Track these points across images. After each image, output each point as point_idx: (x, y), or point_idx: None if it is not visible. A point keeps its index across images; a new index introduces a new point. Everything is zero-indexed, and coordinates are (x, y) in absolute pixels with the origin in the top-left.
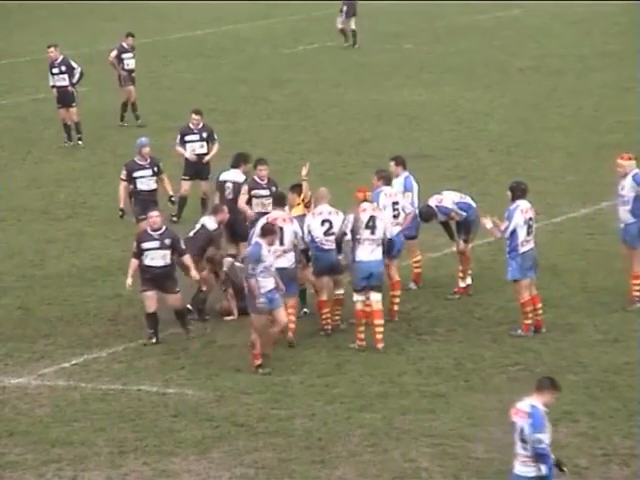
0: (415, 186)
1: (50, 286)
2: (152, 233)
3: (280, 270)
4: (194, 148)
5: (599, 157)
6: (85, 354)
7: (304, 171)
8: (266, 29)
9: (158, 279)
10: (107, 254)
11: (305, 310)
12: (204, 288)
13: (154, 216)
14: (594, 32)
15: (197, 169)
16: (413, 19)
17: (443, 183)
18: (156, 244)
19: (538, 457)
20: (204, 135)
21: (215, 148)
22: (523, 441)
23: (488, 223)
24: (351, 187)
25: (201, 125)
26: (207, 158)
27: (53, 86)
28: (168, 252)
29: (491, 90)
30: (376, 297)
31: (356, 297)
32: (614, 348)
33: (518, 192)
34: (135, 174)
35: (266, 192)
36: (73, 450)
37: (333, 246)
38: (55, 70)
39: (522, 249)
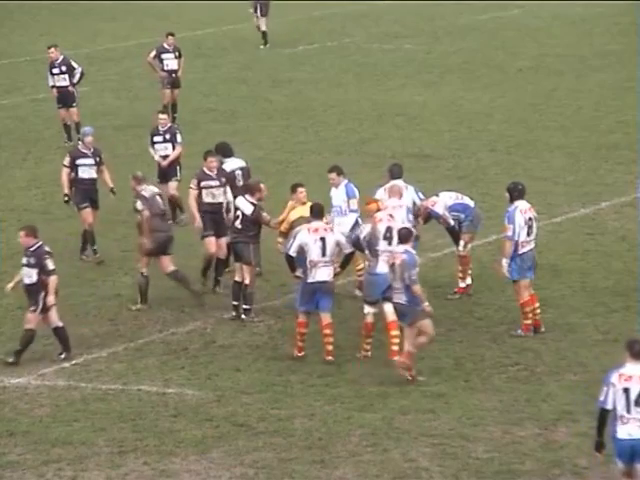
0: (357, 192)
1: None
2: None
3: (320, 284)
4: (158, 150)
5: (599, 157)
6: (85, 354)
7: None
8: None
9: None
10: (107, 254)
11: None
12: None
13: (22, 235)
14: (594, 32)
15: (163, 172)
16: (413, 19)
17: (443, 183)
18: (24, 260)
19: None
20: (167, 137)
21: (178, 150)
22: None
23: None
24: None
25: (167, 126)
26: (166, 162)
27: (53, 86)
28: (34, 271)
29: (491, 90)
30: (390, 308)
31: (367, 309)
32: (614, 348)
33: (515, 193)
34: (78, 162)
35: (216, 183)
36: (73, 450)
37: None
38: (55, 70)
39: (522, 250)
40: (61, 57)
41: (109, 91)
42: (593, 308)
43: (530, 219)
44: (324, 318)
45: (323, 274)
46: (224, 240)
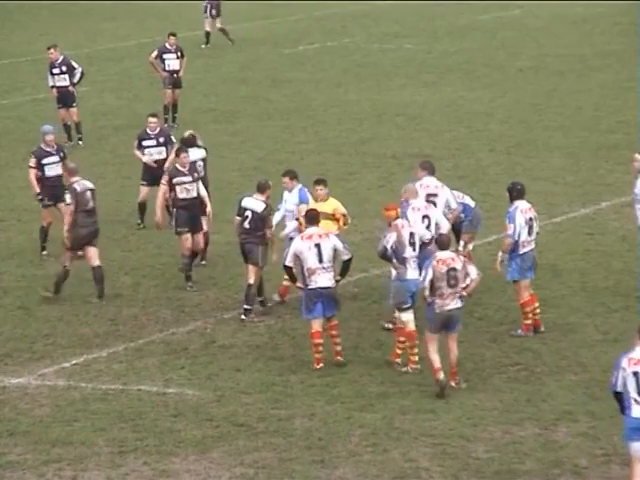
0: (310, 198)
1: (50, 286)
2: None
3: (322, 290)
4: (152, 154)
5: (599, 157)
6: (85, 354)
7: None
8: (266, 29)
9: None
10: (107, 254)
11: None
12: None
13: None
14: (594, 32)
15: (155, 175)
16: (413, 19)
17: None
18: None
19: None
20: (161, 140)
21: (174, 152)
22: None
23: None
24: (351, 187)
25: (158, 130)
26: (167, 165)
27: (53, 86)
28: None
29: (491, 90)
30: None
31: (406, 316)
32: (614, 348)
33: (514, 193)
34: (44, 161)
35: (188, 178)
36: (73, 450)
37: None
38: (55, 70)
39: (522, 250)
40: (61, 57)
41: (109, 91)
42: (593, 308)
43: (531, 219)
44: (330, 320)
45: (324, 280)
46: (201, 235)
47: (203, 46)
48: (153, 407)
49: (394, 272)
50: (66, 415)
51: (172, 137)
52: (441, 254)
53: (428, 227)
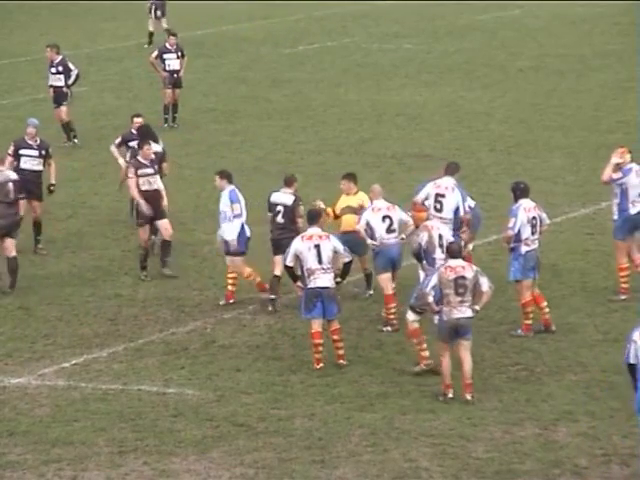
0: (241, 197)
1: (50, 286)
2: None
3: (321, 290)
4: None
5: (599, 157)
6: (85, 354)
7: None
8: (266, 29)
9: None
10: (107, 254)
11: (370, 292)
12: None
13: None
14: (594, 32)
15: None
16: (413, 19)
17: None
18: None
19: None
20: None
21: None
22: None
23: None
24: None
25: None
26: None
27: (50, 86)
28: None
29: (491, 90)
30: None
31: (412, 316)
32: (614, 348)
33: (518, 192)
34: (21, 151)
35: (151, 170)
36: (73, 450)
37: (394, 241)
38: (53, 70)
39: (525, 249)
40: (59, 57)
41: (109, 91)
42: (593, 308)
43: (534, 218)
44: (332, 324)
45: (323, 280)
46: (166, 221)
47: (146, 46)
48: (153, 407)
49: (422, 274)
50: (66, 415)
51: (156, 136)
52: (452, 261)
53: (390, 227)
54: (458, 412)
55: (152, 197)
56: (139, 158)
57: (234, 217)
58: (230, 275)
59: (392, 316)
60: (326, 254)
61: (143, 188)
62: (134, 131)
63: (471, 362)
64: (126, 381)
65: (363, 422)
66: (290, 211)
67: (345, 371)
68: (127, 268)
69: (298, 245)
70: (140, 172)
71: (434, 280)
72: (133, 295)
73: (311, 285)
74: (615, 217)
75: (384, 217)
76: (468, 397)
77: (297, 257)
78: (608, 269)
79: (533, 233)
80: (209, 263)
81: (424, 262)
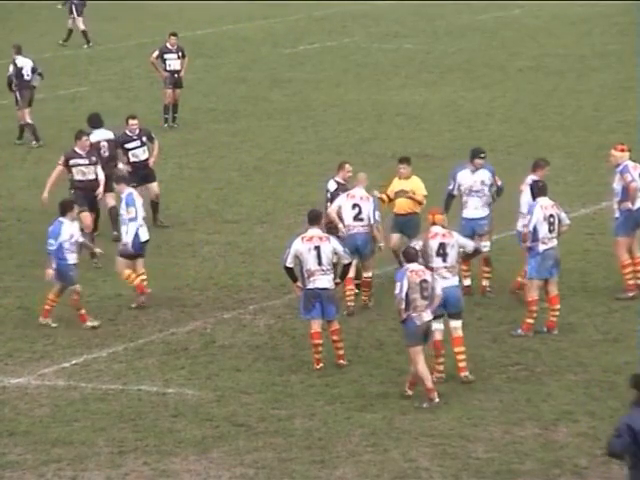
0: (138, 201)
1: (50, 286)
2: None
3: (320, 290)
4: (137, 155)
5: (599, 157)
6: (85, 354)
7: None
8: (266, 29)
9: None
10: (107, 254)
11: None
12: None
13: None
14: (594, 32)
15: (142, 174)
16: (413, 19)
17: (443, 183)
18: None
19: None
20: (144, 140)
21: (156, 147)
22: None
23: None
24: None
25: (138, 130)
26: (152, 161)
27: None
28: None
29: (491, 90)
30: (455, 324)
31: (434, 326)
32: (614, 348)
33: (535, 190)
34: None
35: (85, 161)
36: (73, 450)
37: (361, 230)
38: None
39: (543, 247)
40: (28, 61)
41: (109, 91)
42: (593, 308)
43: (552, 216)
44: (331, 324)
45: (323, 282)
46: (93, 215)
47: (60, 42)
48: (153, 407)
49: None
50: (66, 415)
51: (152, 134)
52: (412, 266)
53: (357, 216)
54: (458, 412)
55: (86, 187)
56: (75, 148)
57: (129, 220)
58: (138, 275)
59: (350, 298)
60: (326, 256)
61: (77, 178)
62: (130, 133)
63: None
64: (126, 381)
65: (363, 422)
66: (333, 198)
67: (345, 371)
68: None
69: (298, 246)
70: (72, 162)
71: (405, 285)
72: (133, 295)
73: (310, 286)
74: (617, 215)
75: (354, 205)
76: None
77: (297, 258)
78: (608, 269)
79: (551, 231)
80: (209, 263)
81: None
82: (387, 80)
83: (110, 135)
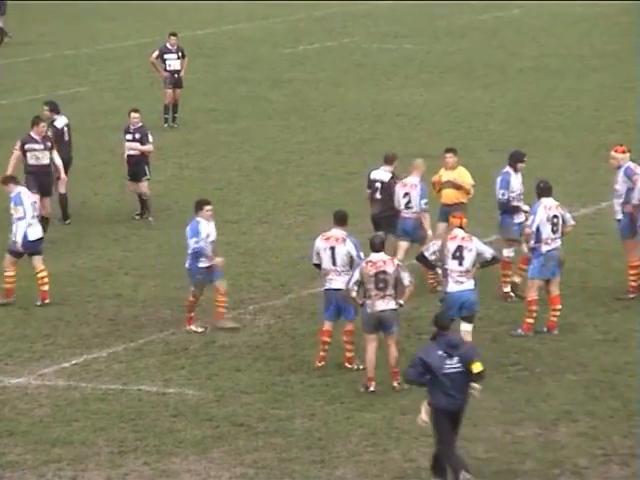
0: (26, 200)
1: (50, 286)
2: None
3: (335, 291)
4: (128, 148)
5: (599, 157)
6: (85, 354)
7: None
8: (266, 29)
9: None
10: (107, 254)
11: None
12: None
13: None
14: (594, 32)
15: (132, 170)
16: (413, 19)
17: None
18: None
19: None
20: (137, 136)
21: (147, 148)
22: None
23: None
24: (351, 187)
25: (139, 125)
26: (131, 158)
27: None
28: None
29: (491, 90)
30: (466, 327)
31: (463, 326)
32: (614, 348)
33: (539, 190)
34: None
35: (40, 147)
36: (73, 450)
37: (411, 216)
38: None
39: (545, 248)
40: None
41: (109, 91)
42: (593, 308)
43: (555, 216)
44: (346, 324)
45: (337, 283)
46: (47, 200)
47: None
48: (153, 407)
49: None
50: (66, 415)
51: (149, 135)
52: (373, 256)
53: (407, 204)
54: None
55: (39, 172)
56: (31, 133)
57: (17, 220)
58: (40, 275)
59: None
60: (340, 257)
61: (30, 162)
62: (131, 126)
63: (396, 353)
64: (126, 381)
65: (363, 422)
66: (387, 188)
67: (345, 371)
68: (127, 268)
69: (318, 243)
70: (27, 147)
71: (356, 275)
72: (133, 295)
73: (326, 286)
74: (619, 217)
75: (405, 194)
76: (395, 384)
77: (318, 255)
78: (608, 269)
79: (554, 232)
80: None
81: (438, 270)
82: (387, 80)
83: (67, 120)
